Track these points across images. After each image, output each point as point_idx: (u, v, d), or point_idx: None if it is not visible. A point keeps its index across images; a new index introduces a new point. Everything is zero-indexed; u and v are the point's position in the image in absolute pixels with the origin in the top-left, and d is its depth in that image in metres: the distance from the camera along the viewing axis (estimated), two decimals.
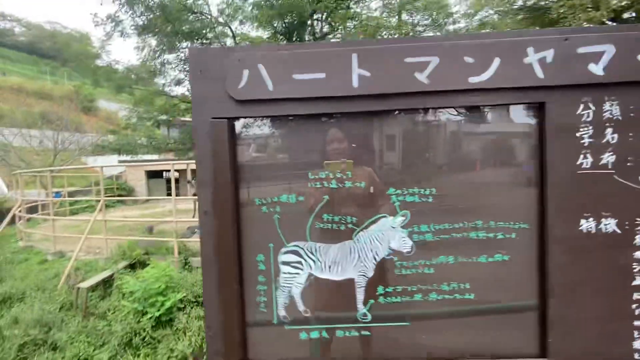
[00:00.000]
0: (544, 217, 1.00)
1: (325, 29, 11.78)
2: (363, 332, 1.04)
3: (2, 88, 31.55)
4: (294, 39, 10.95)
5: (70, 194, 15.42)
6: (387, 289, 1.04)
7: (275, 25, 10.91)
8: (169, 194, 23.37)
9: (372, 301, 1.04)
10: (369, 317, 1.04)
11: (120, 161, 18.51)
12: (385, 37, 9.74)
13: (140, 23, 9.54)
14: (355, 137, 1.03)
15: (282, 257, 1.05)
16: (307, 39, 11.32)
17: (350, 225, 1.03)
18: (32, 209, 11.67)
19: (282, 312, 1.05)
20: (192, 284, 6.38)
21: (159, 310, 5.61)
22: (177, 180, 23.00)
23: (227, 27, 11.19)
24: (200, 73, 1.00)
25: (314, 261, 1.04)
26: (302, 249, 1.04)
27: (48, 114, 20.54)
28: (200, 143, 1.01)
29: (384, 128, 1.03)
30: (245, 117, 1.00)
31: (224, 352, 1.02)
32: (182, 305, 5.94)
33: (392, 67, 0.96)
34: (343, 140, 1.02)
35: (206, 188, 1.01)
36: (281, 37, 11.16)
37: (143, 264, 7.46)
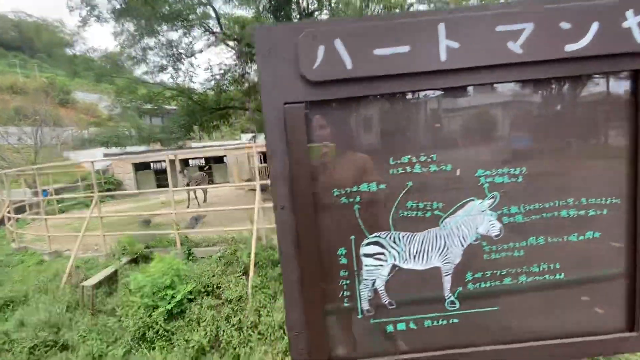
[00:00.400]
0: (637, 190, 0.96)
1: (313, 5, 11.35)
2: (451, 320, 1.00)
3: None
4: (279, 16, 10.54)
5: (57, 192, 14.93)
6: (475, 275, 1.00)
7: (259, 2, 10.43)
8: (159, 186, 23.00)
9: (459, 288, 1.00)
10: (457, 304, 1.00)
11: (105, 154, 17.91)
12: (381, 10, 9.44)
13: (118, 6, 8.96)
14: (440, 116, 0.96)
15: (364, 249, 0.98)
16: (293, 16, 10.91)
17: (436, 212, 0.97)
18: (19, 209, 11.27)
19: (366, 306, 1.00)
20: (199, 274, 6.35)
21: (169, 303, 5.58)
22: (165, 171, 22.48)
23: (209, 7, 10.64)
24: (269, 53, 0.89)
25: (397, 251, 0.99)
26: (384, 239, 0.98)
27: (24, 109, 19.52)
28: (272, 132, 0.91)
29: (472, 105, 0.96)
30: (321, 100, 0.91)
31: (309, 351, 0.97)
32: (192, 297, 5.93)
33: (482, 37, 0.88)
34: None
35: (281, 181, 0.92)
36: (267, 14, 10.72)
37: (145, 258, 7.37)
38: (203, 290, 6.00)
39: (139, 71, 12.17)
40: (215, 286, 6.09)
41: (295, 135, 0.89)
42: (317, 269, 0.94)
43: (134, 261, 7.24)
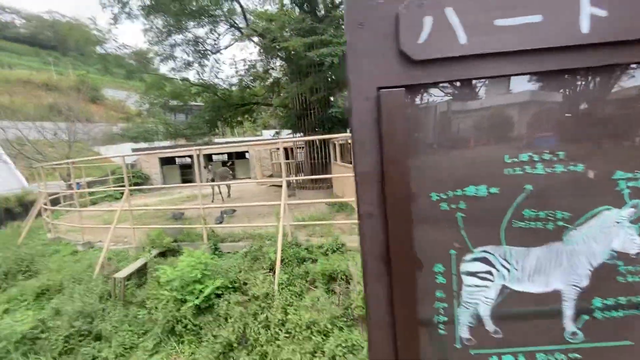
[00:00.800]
0: None
1: None
2: (571, 355, 0.82)
3: (11, 82, 31.48)
4: (305, 9, 10.36)
5: (88, 184, 15.53)
6: (605, 301, 0.80)
7: None
8: (184, 181, 23.49)
9: (585, 317, 0.81)
10: (580, 336, 0.82)
11: (133, 149, 18.45)
12: None
13: (147, 2, 9.08)
14: (572, 104, 0.77)
15: (467, 267, 0.81)
16: (320, 8, 10.71)
17: (560, 223, 0.78)
18: (54, 201, 11.76)
19: (465, 334, 0.83)
20: (226, 270, 6.36)
21: (197, 297, 5.61)
22: (189, 166, 23.02)
23: (235, 2, 10.62)
24: (361, 27, 0.73)
25: (508, 270, 0.81)
26: (493, 255, 0.81)
27: (58, 105, 20.40)
28: (360, 123, 0.75)
29: (614, 90, 0.76)
30: (426, 84, 0.74)
31: None
32: (220, 292, 5.94)
33: (635, 3, 0.68)
34: None
35: (370, 184, 0.76)
36: (293, 6, 10.58)
37: (173, 252, 7.47)
38: (230, 286, 6.00)
39: (166, 68, 12.41)
40: (242, 282, 6.08)
41: (391, 128, 0.73)
42: (410, 289, 0.78)
43: (162, 254, 7.37)
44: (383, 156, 0.74)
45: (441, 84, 0.75)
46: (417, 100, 0.76)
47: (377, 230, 0.78)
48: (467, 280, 0.82)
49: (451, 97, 0.77)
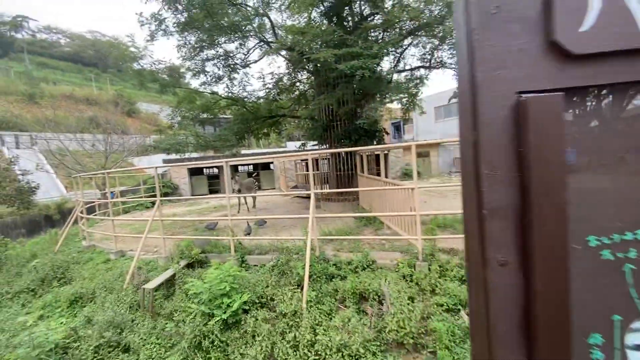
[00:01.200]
0: None
1: (367, 10, 11.05)
2: None
3: (55, 97, 33.91)
4: (334, 21, 10.39)
5: (121, 194, 16.13)
6: None
7: (316, 6, 10.32)
8: (211, 191, 23.96)
9: None
10: None
11: (164, 160, 19.10)
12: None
13: (182, 20, 9.42)
14: None
15: (637, 338, 0.59)
16: (348, 20, 10.71)
17: None
18: (90, 209, 12.23)
19: None
20: (253, 284, 6.22)
21: (225, 312, 5.49)
22: (217, 176, 23.49)
23: (265, 17, 10.83)
24: (495, 12, 0.54)
25: None
26: None
27: (97, 118, 21.64)
28: (491, 140, 0.56)
29: None
30: (590, 87, 0.54)
31: None
32: (247, 307, 5.80)
33: None
34: None
35: (506, 222, 0.56)
36: (322, 19, 10.65)
37: (201, 263, 7.46)
38: (257, 301, 5.84)
39: (197, 82, 12.79)
40: (269, 298, 5.91)
41: (541, 146, 0.53)
42: None
43: (190, 265, 7.36)
44: (527, 185, 0.54)
45: (613, 87, 0.54)
46: (575, 109, 0.56)
47: (513, 285, 0.57)
48: (636, 356, 0.59)
49: (625, 106, 0.56)
